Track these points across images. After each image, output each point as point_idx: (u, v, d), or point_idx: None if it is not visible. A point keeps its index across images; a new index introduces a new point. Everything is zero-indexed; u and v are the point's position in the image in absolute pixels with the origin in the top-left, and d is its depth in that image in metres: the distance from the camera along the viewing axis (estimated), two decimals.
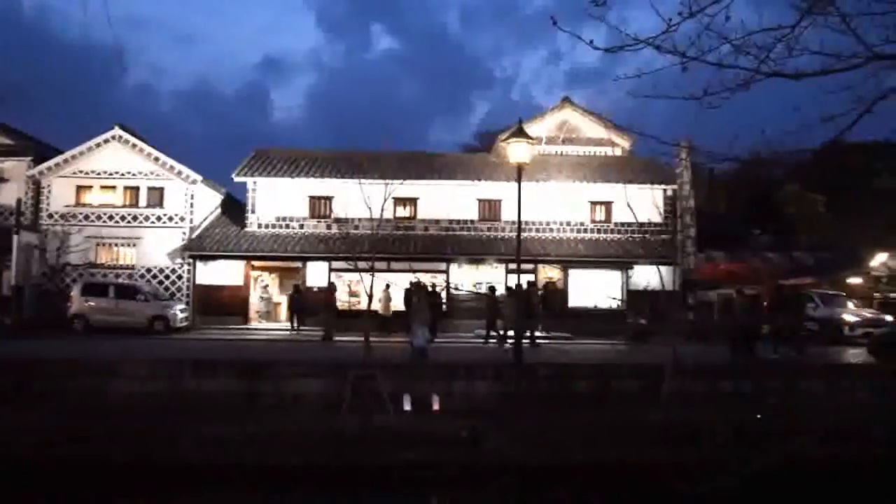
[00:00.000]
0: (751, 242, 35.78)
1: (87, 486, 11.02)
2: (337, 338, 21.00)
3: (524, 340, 19.40)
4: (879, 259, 27.41)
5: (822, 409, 12.90)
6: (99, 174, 28.06)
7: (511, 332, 20.02)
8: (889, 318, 22.80)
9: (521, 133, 15.19)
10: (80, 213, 27.75)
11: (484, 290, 24.65)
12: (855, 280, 29.32)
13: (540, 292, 23.43)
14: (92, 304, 23.67)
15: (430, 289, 22.91)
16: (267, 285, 29.96)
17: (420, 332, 15.96)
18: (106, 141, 28.09)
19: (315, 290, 27.08)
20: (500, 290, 23.63)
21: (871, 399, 14.06)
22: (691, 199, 26.51)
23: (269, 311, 29.58)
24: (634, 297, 25.77)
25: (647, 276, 24.32)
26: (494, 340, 20.46)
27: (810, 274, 29.67)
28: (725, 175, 39.81)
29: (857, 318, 21.80)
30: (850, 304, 23.22)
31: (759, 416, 13.49)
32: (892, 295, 27.89)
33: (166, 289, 27.22)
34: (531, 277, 26.56)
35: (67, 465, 11.05)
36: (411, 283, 23.08)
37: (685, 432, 12.05)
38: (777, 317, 18.25)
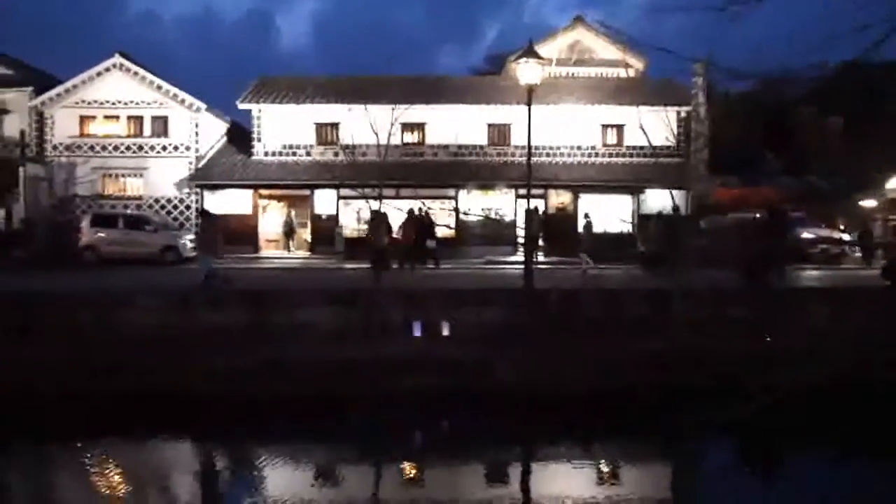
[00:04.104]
0: (764, 167, 35.23)
1: (102, 417, 11.24)
2: (349, 265, 21.04)
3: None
4: (895, 181, 26.95)
5: (831, 333, 12.87)
6: (102, 104, 27.67)
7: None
8: (846, 236, 25.26)
9: (531, 53, 14.66)
10: (85, 144, 27.50)
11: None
12: (869, 203, 28.97)
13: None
14: (102, 235, 23.66)
15: (418, 214, 22.29)
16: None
17: (204, 260, 16.11)
18: (107, 69, 27.59)
19: (324, 217, 27.14)
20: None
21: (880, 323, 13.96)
22: (706, 121, 25.89)
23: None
24: (645, 222, 25.54)
25: (659, 201, 24.04)
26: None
27: (824, 198, 29.33)
28: (741, 98, 38.87)
29: (814, 236, 23.56)
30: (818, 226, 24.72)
31: (768, 338, 13.53)
32: None
33: (175, 219, 27.21)
34: (541, 203, 26.36)
35: (85, 399, 11.25)
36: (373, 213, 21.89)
37: (696, 357, 12.12)
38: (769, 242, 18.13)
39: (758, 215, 21.16)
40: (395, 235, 21.35)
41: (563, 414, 11.63)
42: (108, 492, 9.25)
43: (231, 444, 11.03)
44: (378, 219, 20.05)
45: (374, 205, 15.96)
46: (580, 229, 21.82)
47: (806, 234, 23.54)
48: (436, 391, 11.79)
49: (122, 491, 9.30)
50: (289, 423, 11.53)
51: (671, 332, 13.16)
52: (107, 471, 10.06)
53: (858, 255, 26.00)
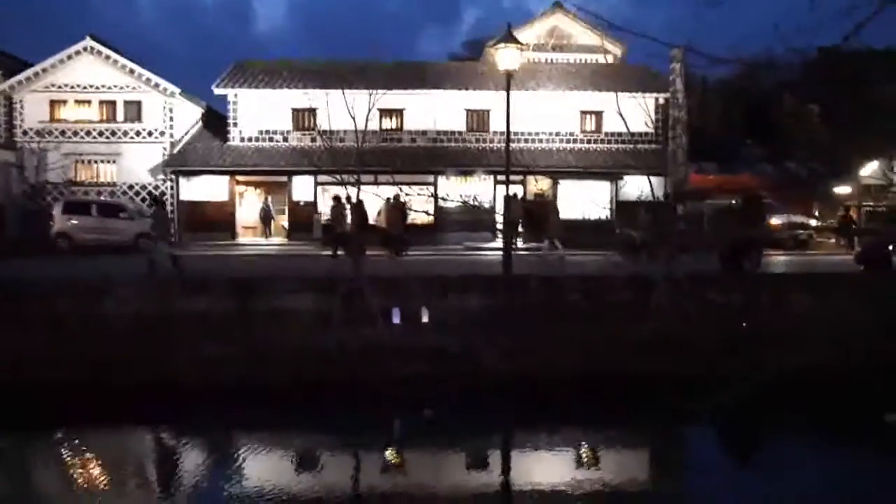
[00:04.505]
0: (743, 154, 35.46)
1: (84, 407, 11.12)
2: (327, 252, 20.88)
3: None
4: (871, 168, 27.24)
5: (810, 319, 13.00)
6: (73, 88, 27.09)
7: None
8: (813, 221, 25.64)
9: (510, 38, 14.54)
10: (56, 130, 26.93)
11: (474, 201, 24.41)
12: (844, 190, 29.28)
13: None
14: (75, 222, 23.16)
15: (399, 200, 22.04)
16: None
17: (159, 246, 15.95)
18: (78, 53, 26.98)
19: (302, 204, 26.93)
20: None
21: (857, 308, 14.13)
22: (684, 108, 25.94)
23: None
24: (624, 209, 25.62)
25: (637, 188, 24.14)
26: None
27: (801, 185, 29.62)
28: (719, 85, 39.05)
29: (783, 222, 23.94)
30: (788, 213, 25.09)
31: (744, 323, 13.62)
32: (881, 206, 28.00)
33: (150, 206, 26.75)
34: (520, 189, 26.33)
35: (66, 389, 11.10)
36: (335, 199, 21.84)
37: (677, 343, 12.18)
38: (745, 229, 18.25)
39: (733, 202, 21.34)
40: (372, 222, 21.30)
41: (547, 401, 11.65)
42: (90, 482, 9.12)
43: (213, 433, 10.91)
44: (340, 206, 20.58)
45: (353, 191, 15.70)
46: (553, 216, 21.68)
47: (775, 220, 23.82)
48: (421, 378, 11.77)
49: (105, 481, 9.18)
50: (272, 412, 11.43)
51: (654, 318, 13.21)
52: (88, 461, 9.91)
53: (832, 241, 26.38)
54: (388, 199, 21.58)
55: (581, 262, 18.20)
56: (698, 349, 11.67)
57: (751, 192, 23.50)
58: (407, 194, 21.65)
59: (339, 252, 19.42)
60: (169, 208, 26.86)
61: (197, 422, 11.18)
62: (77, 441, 10.46)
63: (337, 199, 21.45)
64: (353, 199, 17.09)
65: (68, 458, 9.95)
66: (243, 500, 8.25)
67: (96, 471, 9.59)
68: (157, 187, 27.11)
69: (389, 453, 10.35)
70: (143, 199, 26.87)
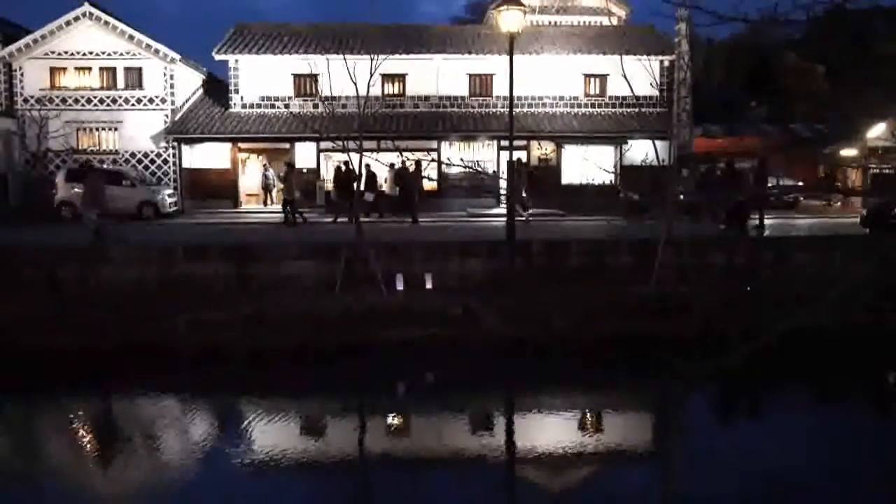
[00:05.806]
0: (747, 115, 35.12)
1: (85, 372, 11.26)
2: (329, 219, 20.91)
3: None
4: (879, 129, 26.95)
5: (812, 279, 13.00)
6: (72, 55, 26.82)
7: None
8: (801, 183, 26.36)
9: (512, 0, 14.34)
10: (57, 97, 26.72)
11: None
12: (850, 152, 29.04)
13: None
14: (78, 190, 23.10)
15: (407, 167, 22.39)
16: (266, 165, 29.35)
17: (88, 214, 15.90)
18: (76, 19, 26.63)
19: (304, 171, 26.84)
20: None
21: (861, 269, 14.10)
22: (689, 70, 25.66)
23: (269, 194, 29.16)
24: (629, 173, 25.48)
25: (642, 151, 23.96)
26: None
27: (807, 146, 29.41)
28: (725, 45, 38.55)
29: (772, 184, 23.63)
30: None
31: (748, 287, 13.65)
32: (886, 168, 27.81)
33: (152, 173, 26.73)
34: (524, 154, 26.19)
35: (65, 354, 11.22)
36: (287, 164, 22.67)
37: (679, 305, 12.23)
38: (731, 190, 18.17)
39: (721, 166, 21.28)
40: (381, 188, 21.76)
41: (548, 363, 11.74)
42: (93, 446, 9.24)
43: (216, 397, 11.02)
44: (292, 171, 21.31)
45: (355, 157, 15.60)
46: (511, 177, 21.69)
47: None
48: (423, 342, 11.88)
49: (107, 445, 9.29)
50: (273, 376, 11.55)
51: (657, 280, 13.25)
52: (91, 425, 10.04)
53: (830, 204, 26.37)
54: (416, 162, 21.88)
55: (583, 227, 18.18)
56: (699, 311, 11.72)
57: (731, 158, 23.47)
58: (409, 159, 21.62)
59: (289, 217, 20.39)
60: (171, 176, 26.84)
61: (199, 387, 11.29)
62: (79, 406, 10.59)
63: (290, 165, 22.18)
64: (352, 166, 17.11)
65: (69, 424, 10.08)
66: (246, 465, 8.37)
67: (98, 435, 9.71)
68: (159, 154, 27.00)
69: (392, 416, 10.47)
70: (146, 167, 26.79)
